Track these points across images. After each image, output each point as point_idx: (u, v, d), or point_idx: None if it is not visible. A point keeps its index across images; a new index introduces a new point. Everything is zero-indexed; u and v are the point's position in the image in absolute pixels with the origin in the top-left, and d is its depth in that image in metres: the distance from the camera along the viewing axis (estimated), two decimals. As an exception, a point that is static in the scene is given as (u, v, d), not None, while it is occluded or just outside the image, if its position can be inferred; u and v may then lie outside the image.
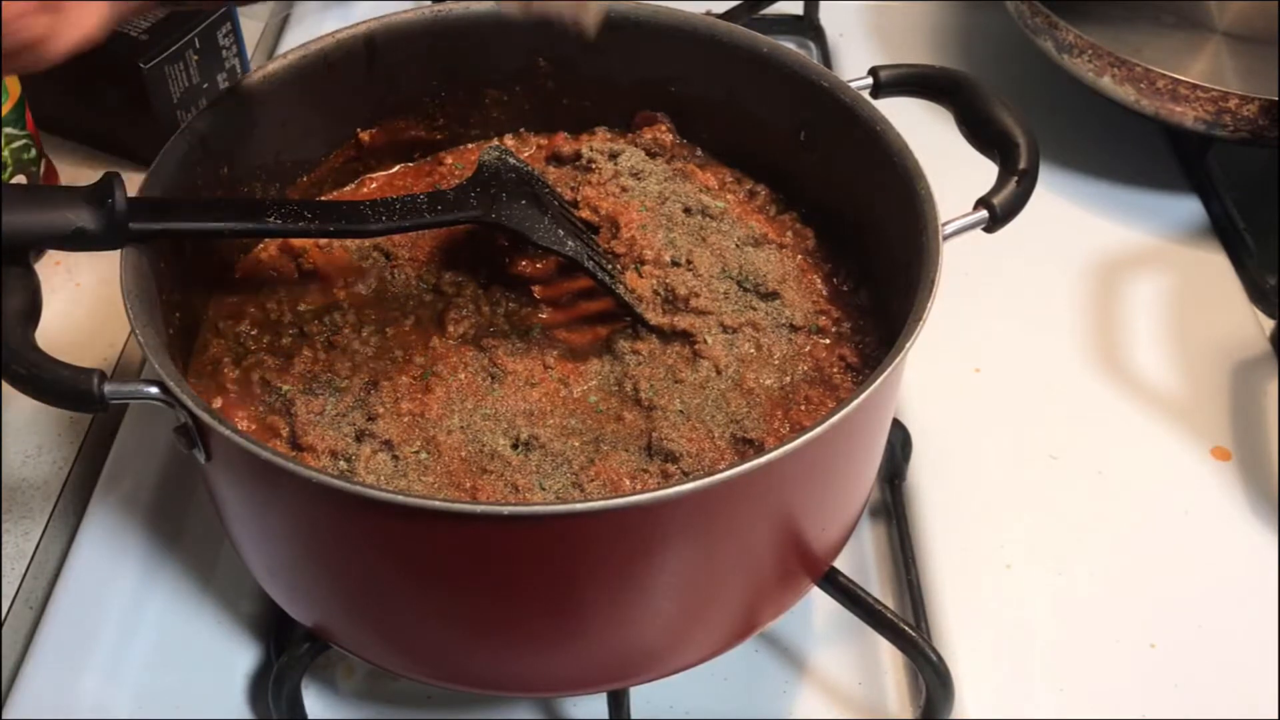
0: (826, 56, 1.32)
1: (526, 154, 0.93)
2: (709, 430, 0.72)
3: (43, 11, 0.56)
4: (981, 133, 0.78)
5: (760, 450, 0.70)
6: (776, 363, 0.77)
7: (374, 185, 0.92)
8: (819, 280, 0.84)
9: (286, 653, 0.75)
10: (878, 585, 0.87)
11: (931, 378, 0.97)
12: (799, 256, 0.85)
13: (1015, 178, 0.74)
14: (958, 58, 1.33)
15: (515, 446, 0.71)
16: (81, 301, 1.04)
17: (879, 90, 0.82)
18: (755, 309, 0.79)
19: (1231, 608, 0.85)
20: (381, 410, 0.72)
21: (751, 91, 0.87)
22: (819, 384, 0.77)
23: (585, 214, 0.83)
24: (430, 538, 0.62)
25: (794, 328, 0.79)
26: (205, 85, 1.16)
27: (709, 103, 0.89)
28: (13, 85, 1.02)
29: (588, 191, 0.84)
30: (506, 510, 0.58)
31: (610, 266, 0.80)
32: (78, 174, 1.15)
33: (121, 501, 0.89)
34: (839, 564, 0.78)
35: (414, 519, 0.60)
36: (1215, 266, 1.10)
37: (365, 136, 0.89)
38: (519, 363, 0.76)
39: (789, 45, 0.87)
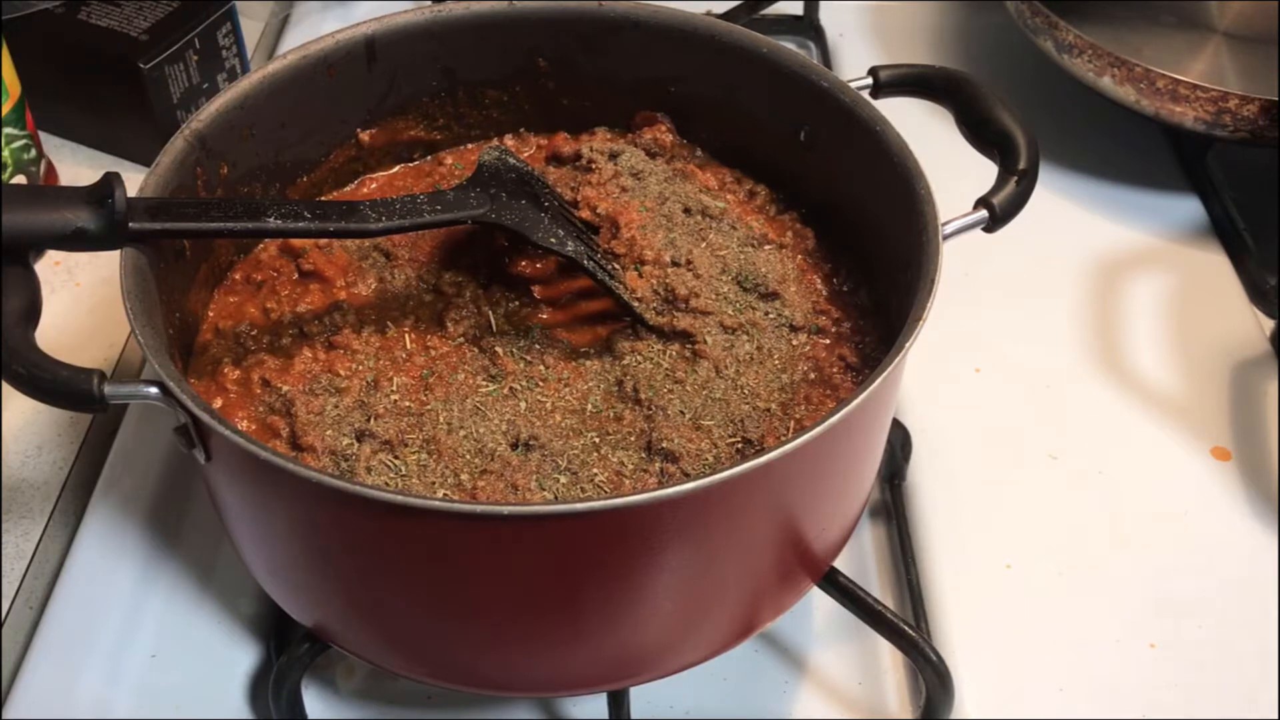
0: (826, 56, 1.32)
1: (526, 154, 0.93)
2: (709, 430, 0.72)
3: None
4: (981, 133, 0.78)
5: (760, 450, 0.70)
6: (776, 363, 0.77)
7: (374, 185, 0.92)
8: (819, 280, 0.84)
9: (286, 653, 0.75)
10: (878, 585, 0.87)
11: (931, 378, 0.97)
12: (799, 256, 0.85)
13: (1015, 178, 0.75)
14: (958, 58, 1.33)
15: (515, 446, 0.71)
16: (81, 301, 1.04)
17: (879, 90, 0.82)
18: (755, 309, 0.79)
19: (1231, 608, 0.85)
20: (381, 410, 0.72)
21: (751, 91, 0.87)
22: (819, 384, 0.77)
23: (585, 214, 0.83)
24: (430, 538, 0.62)
25: (794, 328, 0.79)
26: (205, 85, 1.16)
27: (709, 103, 0.89)
28: (13, 85, 1.02)
29: (588, 191, 0.84)
30: (506, 510, 0.58)
31: (610, 266, 0.80)
32: (78, 174, 1.15)
33: (121, 501, 0.89)
34: (839, 564, 0.78)
35: (414, 519, 0.60)
36: (1215, 266, 1.10)
37: (365, 136, 0.89)
38: (519, 363, 0.76)
39: (789, 45, 0.87)
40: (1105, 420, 0.97)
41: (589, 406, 0.75)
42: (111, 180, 0.68)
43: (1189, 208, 1.15)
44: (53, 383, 0.61)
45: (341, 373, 0.75)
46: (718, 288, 0.79)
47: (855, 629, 0.81)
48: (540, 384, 0.75)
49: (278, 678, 0.75)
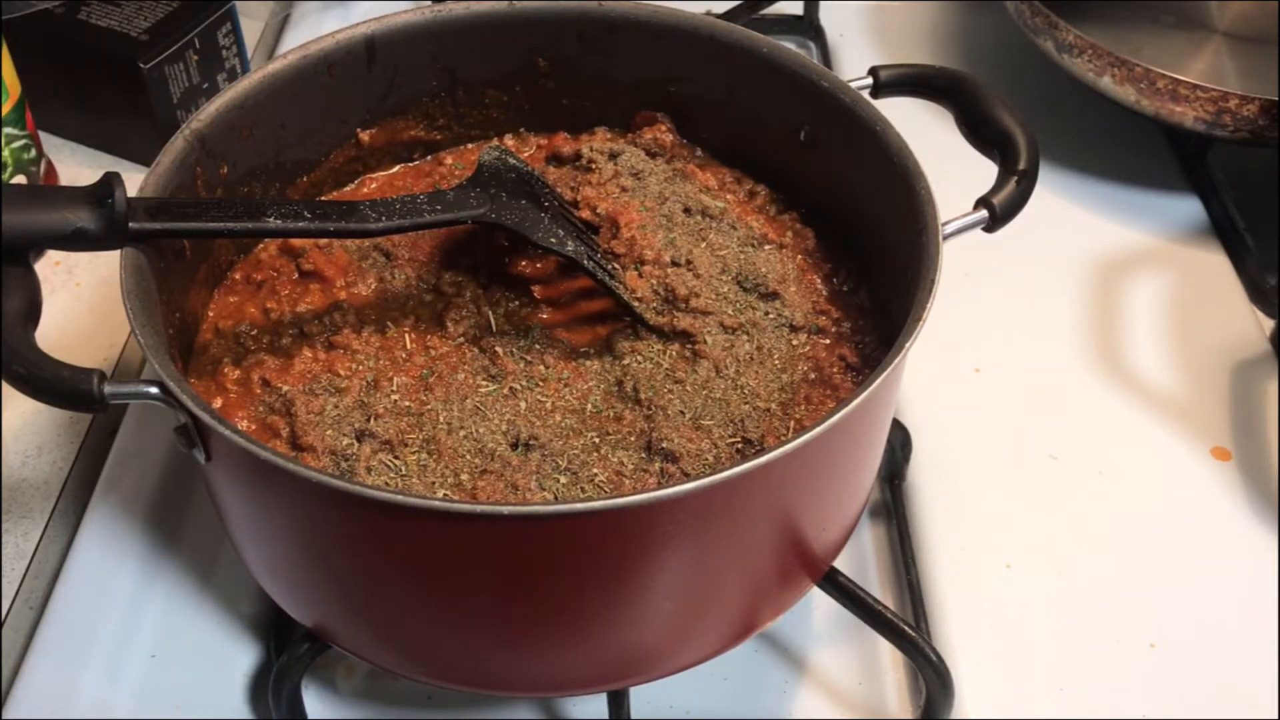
0: (826, 56, 1.32)
1: (526, 154, 0.93)
2: (709, 430, 0.72)
3: None
4: (981, 133, 0.78)
5: (760, 450, 0.70)
6: (776, 363, 0.77)
7: (374, 185, 0.92)
8: (819, 280, 0.84)
9: (286, 653, 0.75)
10: (878, 585, 0.87)
11: (931, 378, 0.97)
12: (799, 256, 0.85)
13: (1015, 178, 0.75)
14: (958, 58, 1.33)
15: (515, 446, 0.71)
16: (81, 301, 1.04)
17: (879, 90, 0.82)
18: (755, 309, 0.79)
19: (1231, 608, 0.85)
20: (381, 410, 0.72)
21: (751, 91, 0.87)
22: (819, 384, 0.77)
23: (585, 214, 0.83)
24: (430, 538, 0.62)
25: (794, 328, 0.79)
26: (205, 85, 1.16)
27: (709, 103, 0.89)
28: (13, 85, 1.02)
29: (588, 191, 0.84)
30: (506, 510, 0.58)
31: (610, 266, 0.80)
32: (78, 174, 1.15)
33: (121, 501, 0.89)
34: (839, 564, 0.78)
35: (414, 519, 0.60)
36: (1215, 266, 1.10)
37: (365, 136, 0.89)
38: (519, 363, 0.76)
39: (789, 45, 0.87)
40: (1105, 420, 0.97)
41: (589, 406, 0.75)
42: (111, 180, 0.68)
43: (1189, 208, 1.15)
44: (53, 383, 0.61)
45: (341, 373, 0.75)
46: (718, 288, 0.79)
47: (855, 629, 0.81)
48: (540, 384, 0.75)
49: (278, 678, 0.75)
